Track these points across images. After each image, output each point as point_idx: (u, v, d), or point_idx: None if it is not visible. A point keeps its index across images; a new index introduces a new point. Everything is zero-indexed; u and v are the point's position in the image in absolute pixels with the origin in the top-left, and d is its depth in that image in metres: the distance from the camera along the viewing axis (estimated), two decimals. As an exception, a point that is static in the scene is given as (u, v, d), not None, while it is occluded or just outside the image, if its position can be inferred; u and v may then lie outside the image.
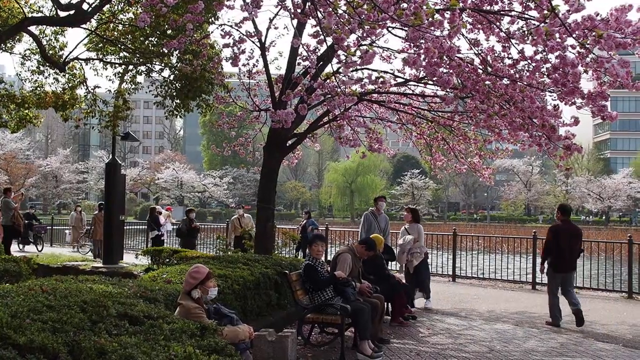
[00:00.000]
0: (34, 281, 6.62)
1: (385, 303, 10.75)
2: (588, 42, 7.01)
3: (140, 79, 16.77)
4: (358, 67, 10.19)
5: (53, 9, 13.86)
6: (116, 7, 14.70)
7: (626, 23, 7.13)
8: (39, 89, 16.61)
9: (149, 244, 22.95)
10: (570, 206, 12.76)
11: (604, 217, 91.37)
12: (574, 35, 7.05)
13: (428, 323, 11.43)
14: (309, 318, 9.01)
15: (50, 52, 15.53)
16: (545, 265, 11.48)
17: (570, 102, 8.49)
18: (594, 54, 7.39)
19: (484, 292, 15.54)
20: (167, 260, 14.66)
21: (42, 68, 16.31)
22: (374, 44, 10.89)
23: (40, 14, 15.30)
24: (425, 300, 13.06)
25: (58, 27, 15.50)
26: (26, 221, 28.52)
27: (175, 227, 24.31)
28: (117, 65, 16.26)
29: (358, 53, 6.90)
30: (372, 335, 8.91)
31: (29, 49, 16.47)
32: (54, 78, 16.41)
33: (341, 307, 8.62)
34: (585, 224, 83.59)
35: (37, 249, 27.62)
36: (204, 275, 6.35)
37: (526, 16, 7.74)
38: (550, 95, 9.20)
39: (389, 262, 13.57)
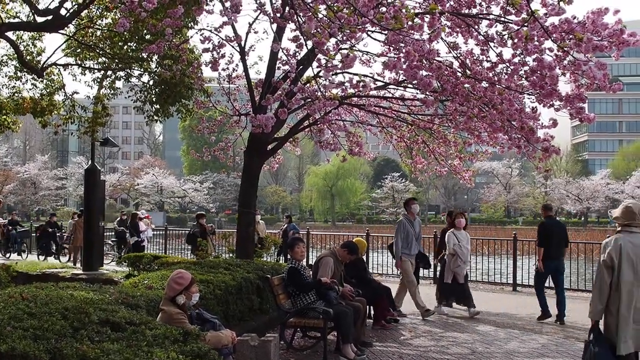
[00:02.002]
0: (14, 289, 6.57)
1: (368, 306, 10.78)
2: (567, 45, 7.07)
3: (119, 84, 16.66)
4: (338, 71, 10.20)
5: (30, 14, 13.75)
6: (94, 13, 14.59)
7: (602, 26, 7.20)
8: (16, 94, 16.44)
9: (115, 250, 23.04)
10: (551, 205, 14.14)
11: (582, 219, 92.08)
12: (552, 38, 7.12)
13: (410, 326, 11.47)
14: (292, 322, 9.01)
15: (28, 57, 15.39)
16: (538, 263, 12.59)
17: (548, 105, 8.57)
18: (572, 56, 7.46)
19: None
20: (148, 266, 14.58)
21: (19, 74, 16.14)
22: (354, 48, 10.93)
23: (17, 20, 15.16)
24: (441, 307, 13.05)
25: (35, 33, 15.37)
26: (10, 227, 27.87)
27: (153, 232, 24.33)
28: (95, 71, 16.14)
29: (338, 57, 6.92)
30: (354, 339, 8.92)
31: (5, 55, 16.33)
32: (31, 84, 16.27)
33: (323, 311, 8.63)
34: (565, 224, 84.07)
35: (22, 257, 26.43)
36: (188, 282, 6.32)
37: (503, 19, 7.80)
38: (529, 98, 9.27)
39: (422, 270, 13.60)
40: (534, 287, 13.08)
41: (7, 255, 27.03)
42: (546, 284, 12.88)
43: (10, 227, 27.89)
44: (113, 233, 25.69)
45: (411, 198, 13.69)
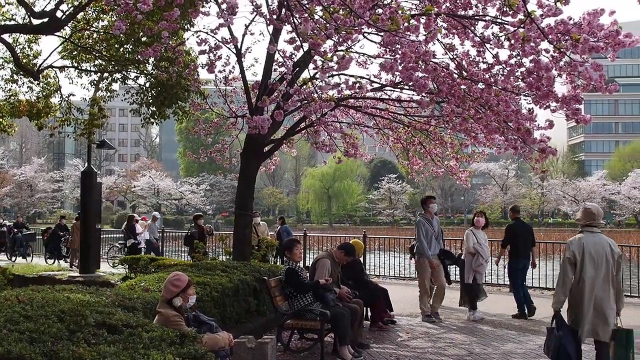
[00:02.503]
0: (10, 291, 6.54)
1: (365, 308, 10.78)
2: (563, 46, 7.08)
3: (115, 86, 16.65)
4: (335, 73, 10.20)
5: (26, 16, 13.74)
6: (90, 15, 14.58)
7: (598, 27, 7.22)
8: (12, 97, 16.43)
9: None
10: (519, 207, 14.81)
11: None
12: (549, 39, 7.13)
13: (407, 327, 11.46)
14: (289, 324, 9.00)
15: (24, 60, 15.38)
16: (503, 260, 13.96)
17: (544, 106, 8.58)
18: (569, 57, 7.48)
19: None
20: (145, 268, 14.55)
21: (15, 77, 16.14)
22: (350, 50, 10.94)
23: (13, 22, 15.15)
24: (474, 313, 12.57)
25: (32, 35, 15.36)
26: (16, 230, 27.53)
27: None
28: (92, 73, 16.14)
29: (335, 58, 6.92)
30: (351, 340, 8.92)
31: (2, 57, 16.31)
32: (28, 86, 16.27)
33: (321, 313, 8.62)
34: (561, 226, 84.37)
35: (27, 260, 25.72)
36: (185, 284, 6.31)
37: (500, 21, 7.81)
38: (525, 99, 9.28)
39: (449, 267, 12.96)
40: (510, 286, 13.75)
41: (13, 258, 26.50)
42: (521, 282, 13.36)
43: (15, 230, 27.51)
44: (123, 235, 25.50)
45: (429, 196, 13.19)
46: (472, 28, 8.45)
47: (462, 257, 12.91)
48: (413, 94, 11.99)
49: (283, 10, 8.28)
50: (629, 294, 15.60)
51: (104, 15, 14.43)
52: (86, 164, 18.76)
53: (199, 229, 18.99)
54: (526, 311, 12.69)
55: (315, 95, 8.41)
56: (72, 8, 13.12)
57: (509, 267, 13.28)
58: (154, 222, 23.23)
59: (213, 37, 10.54)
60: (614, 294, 7.28)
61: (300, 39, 6.92)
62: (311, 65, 8.94)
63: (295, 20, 6.98)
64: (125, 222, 23.57)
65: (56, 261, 25.31)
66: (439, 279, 12.34)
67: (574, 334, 7.25)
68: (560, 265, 7.76)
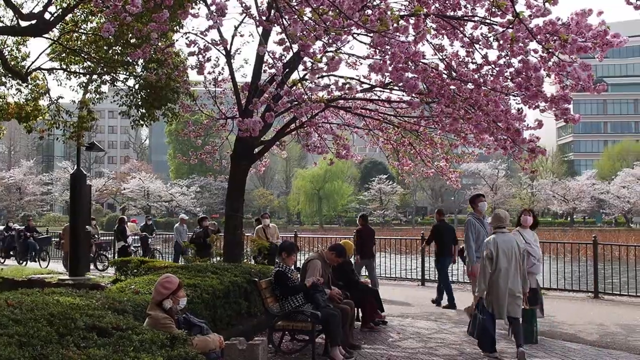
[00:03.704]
0: (-1, 295, 6.51)
1: (356, 308, 10.77)
2: (552, 46, 7.11)
3: (104, 88, 16.60)
4: (324, 74, 10.21)
5: (14, 18, 13.68)
6: (79, 17, 14.53)
7: (587, 27, 7.26)
8: (1, 100, 16.35)
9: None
10: (444, 210, 16.11)
11: (569, 219, 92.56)
12: (537, 40, 7.15)
13: (399, 327, 11.46)
14: (280, 325, 8.99)
15: (12, 62, 15.31)
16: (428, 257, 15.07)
17: (533, 106, 8.61)
18: (557, 57, 7.50)
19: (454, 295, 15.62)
20: (135, 270, 14.51)
21: (4, 79, 16.05)
22: (340, 51, 10.95)
23: (0, 24, 15.07)
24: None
25: (20, 37, 15.29)
26: (27, 234, 26.69)
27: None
28: (81, 75, 16.08)
29: (324, 60, 6.92)
30: (342, 341, 8.91)
31: (-11, 60, 16.23)
32: (16, 89, 16.18)
33: (312, 314, 8.61)
34: (551, 225, 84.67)
35: (41, 265, 24.38)
36: (176, 286, 6.29)
37: (489, 21, 7.83)
38: (514, 99, 9.32)
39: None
40: (441, 282, 14.48)
41: (23, 263, 25.79)
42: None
43: (27, 234, 26.73)
44: (137, 238, 25.02)
45: (478, 194, 11.96)
46: (461, 29, 8.47)
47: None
48: (403, 95, 12.02)
49: (272, 11, 8.26)
50: (618, 293, 15.68)
51: (93, 17, 14.38)
52: (75, 167, 18.64)
53: (205, 230, 18.63)
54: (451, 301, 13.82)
55: (305, 96, 8.41)
56: (60, 10, 13.07)
57: (440, 264, 14.30)
58: (182, 225, 22.65)
59: (202, 38, 10.57)
60: (521, 281, 8.97)
61: (290, 40, 6.91)
62: (301, 67, 8.96)
63: (285, 22, 6.97)
64: (116, 225, 23.44)
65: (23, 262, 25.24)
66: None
67: (493, 316, 8.88)
68: (481, 260, 9.19)
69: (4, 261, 27.39)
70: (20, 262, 26.18)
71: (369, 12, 6.81)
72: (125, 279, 13.56)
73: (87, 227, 17.66)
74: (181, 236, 21.97)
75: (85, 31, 14.67)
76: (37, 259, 25.55)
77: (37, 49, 77.88)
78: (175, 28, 13.28)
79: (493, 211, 9.59)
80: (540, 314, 10.81)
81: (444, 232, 14.37)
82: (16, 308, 5.28)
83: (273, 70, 10.93)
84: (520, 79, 7.92)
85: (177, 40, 14.08)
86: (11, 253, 27.81)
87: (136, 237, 24.60)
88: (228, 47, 11.86)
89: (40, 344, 4.41)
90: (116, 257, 22.31)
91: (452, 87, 8.80)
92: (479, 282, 9.07)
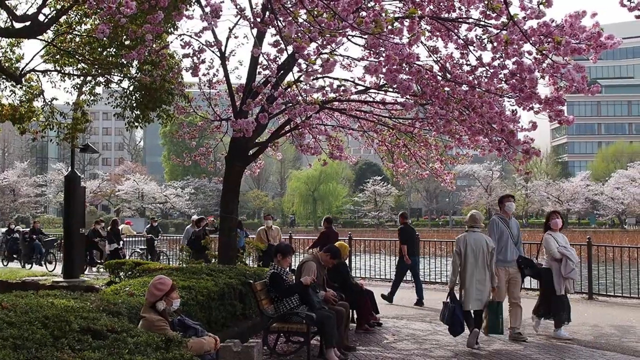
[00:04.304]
0: (-7, 298, 6.48)
1: (351, 310, 10.78)
2: (546, 48, 7.12)
3: (99, 90, 16.55)
4: (319, 76, 10.22)
5: (8, 20, 13.63)
6: (73, 19, 14.49)
7: (580, 29, 7.27)
8: (-6, 101, 16.30)
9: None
10: (407, 214, 17.40)
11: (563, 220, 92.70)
12: (531, 42, 7.17)
13: (393, 329, 11.47)
14: (275, 327, 8.98)
15: (6, 64, 15.26)
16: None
17: (528, 107, 8.63)
18: (551, 59, 7.52)
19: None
20: (129, 272, 14.46)
21: (-3, 81, 16.00)
22: (335, 52, 10.95)
23: (-6, 26, 15.03)
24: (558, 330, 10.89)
25: (14, 39, 15.24)
26: (34, 237, 26.12)
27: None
28: (75, 77, 16.03)
29: (319, 61, 6.92)
30: (338, 343, 8.91)
31: (-17, 61, 16.17)
32: (10, 90, 16.11)
33: (307, 316, 8.61)
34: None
35: (47, 268, 23.46)
36: (169, 287, 6.29)
37: (483, 23, 7.85)
38: (509, 101, 9.35)
39: (525, 279, 11.23)
40: (395, 278, 15.70)
41: (28, 266, 25.23)
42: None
43: (33, 237, 26.10)
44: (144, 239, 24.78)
45: (507, 195, 11.44)
46: (456, 30, 8.48)
47: (544, 266, 11.11)
48: (397, 96, 12.03)
49: (267, 13, 8.27)
50: (612, 294, 15.72)
51: (87, 19, 14.34)
52: (70, 169, 18.60)
53: (203, 231, 18.44)
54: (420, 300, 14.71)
55: (300, 98, 8.41)
56: (54, 12, 13.03)
57: (403, 265, 15.39)
58: (194, 227, 22.31)
59: (197, 40, 10.56)
60: (489, 276, 9.84)
61: (285, 42, 6.92)
62: (295, 68, 8.96)
63: (279, 24, 6.98)
64: (110, 226, 23.30)
65: (88, 268, 24.68)
66: (515, 293, 10.65)
67: (461, 305, 9.82)
68: (453, 256, 10.21)
69: (7, 264, 26.88)
70: (25, 264, 25.70)
71: (364, 14, 6.82)
72: (120, 281, 13.55)
73: (98, 228, 17.61)
74: (117, 238, 21.94)
75: (79, 33, 14.63)
76: (43, 262, 24.78)
77: (31, 50, 77.70)
78: (169, 30, 13.28)
79: (470, 213, 10.47)
80: (566, 320, 10.80)
81: (409, 235, 15.45)
82: (10, 311, 5.27)
83: (267, 72, 10.93)
84: (514, 80, 7.93)
85: (171, 42, 14.02)
86: (14, 256, 27.27)
87: (129, 239, 24.43)
88: (222, 48, 11.86)
89: (35, 347, 4.40)
90: (108, 260, 22.20)
91: (446, 88, 8.82)
92: (450, 276, 10.19)
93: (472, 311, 9.91)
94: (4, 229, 31.85)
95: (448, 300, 9.91)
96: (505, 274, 10.47)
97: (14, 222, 32.61)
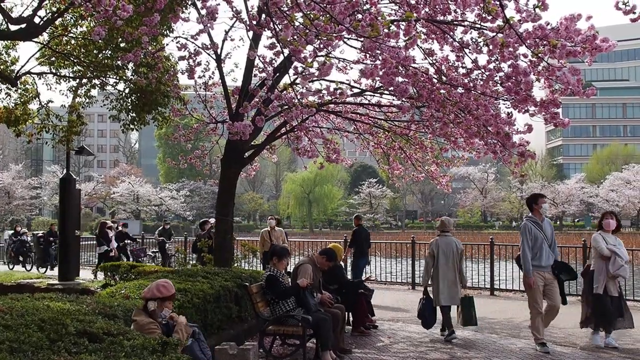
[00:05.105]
0: (-11, 301, 6.47)
1: (346, 313, 10.78)
2: (541, 51, 7.14)
3: (94, 92, 16.54)
4: (315, 79, 10.23)
5: (3, 22, 13.61)
6: (69, 21, 14.48)
7: (576, 32, 7.29)
8: (-11, 104, 16.26)
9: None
10: (361, 216, 18.59)
11: (558, 222, 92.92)
12: (527, 45, 7.19)
13: (389, 332, 11.48)
14: (270, 330, 8.98)
15: (2, 66, 15.24)
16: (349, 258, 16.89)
17: (523, 110, 8.64)
18: (546, 62, 7.53)
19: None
20: (125, 275, 14.45)
21: (-8, 83, 15.97)
22: (331, 55, 10.96)
23: (-11, 28, 15.00)
24: (607, 337, 10.28)
25: (9, 41, 15.22)
26: (51, 239, 25.31)
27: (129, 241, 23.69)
28: (70, 79, 16.01)
29: (315, 64, 6.93)
30: (333, 346, 8.92)
31: (-22, 64, 16.14)
32: (5, 93, 16.08)
33: (302, 318, 8.61)
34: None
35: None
36: (169, 294, 6.35)
37: (479, 26, 7.86)
38: (504, 103, 9.37)
39: (565, 282, 10.32)
40: (352, 277, 16.12)
41: (43, 270, 24.68)
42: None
43: (51, 239, 25.24)
44: (156, 242, 24.35)
45: (538, 194, 10.52)
46: (451, 33, 8.50)
47: (592, 268, 10.48)
48: (393, 99, 12.06)
49: (263, 16, 8.27)
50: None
51: (83, 21, 14.33)
52: (65, 171, 18.58)
53: (208, 234, 18.13)
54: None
55: (296, 100, 8.41)
56: (50, 14, 13.02)
57: (357, 264, 16.33)
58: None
59: (193, 42, 10.55)
60: (458, 275, 10.88)
61: (281, 44, 6.92)
62: (292, 71, 8.96)
63: (276, 26, 6.98)
64: (97, 229, 23.05)
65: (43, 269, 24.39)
66: (553, 297, 9.93)
67: (432, 301, 10.98)
68: (425, 257, 11.40)
69: (13, 267, 26.28)
70: (39, 268, 25.12)
71: (360, 17, 6.82)
72: (115, 283, 13.54)
73: (77, 231, 17.59)
74: (106, 241, 21.65)
75: (75, 35, 14.62)
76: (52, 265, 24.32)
77: (26, 53, 77.71)
78: (165, 32, 13.28)
79: (441, 219, 11.65)
80: (629, 324, 10.25)
81: (363, 236, 16.48)
82: (6, 314, 5.26)
83: (263, 75, 10.93)
84: (509, 83, 7.94)
85: (167, 44, 14.03)
86: (20, 259, 26.72)
87: (128, 241, 24.25)
88: (218, 51, 11.86)
89: (31, 350, 4.39)
90: (98, 262, 22.03)
91: (442, 91, 8.82)
92: (423, 274, 11.42)
93: (445, 307, 10.91)
94: (10, 232, 31.30)
95: (422, 296, 11.25)
96: (541, 280, 9.82)
97: (20, 225, 31.80)
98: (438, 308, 11.01)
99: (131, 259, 22.00)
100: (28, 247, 27.01)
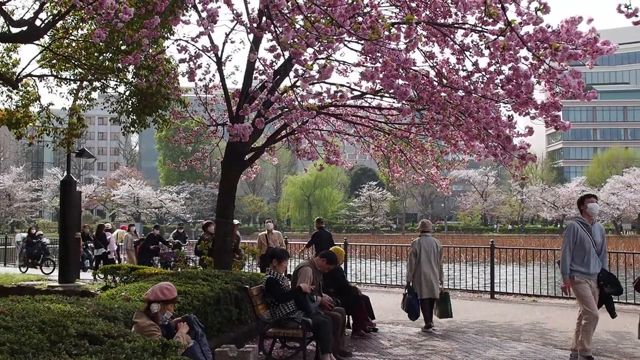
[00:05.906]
0: (-11, 302, 6.46)
1: (347, 316, 10.77)
2: (542, 54, 7.15)
3: (95, 95, 16.56)
4: (316, 82, 10.23)
5: (5, 25, 13.64)
6: (70, 24, 14.50)
7: (577, 35, 7.30)
8: (-10, 106, 16.27)
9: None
10: (323, 219, 19.43)
11: (558, 225, 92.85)
12: (528, 47, 7.19)
13: (389, 335, 11.47)
14: (271, 332, 8.97)
15: (3, 69, 15.26)
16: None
17: (524, 113, 8.66)
18: (547, 64, 7.54)
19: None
20: (125, 277, 14.44)
21: (-6, 86, 15.98)
22: (331, 58, 10.96)
23: (-10, 31, 15.02)
24: None
25: (10, 44, 15.24)
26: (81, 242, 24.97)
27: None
28: (71, 82, 16.03)
29: (316, 67, 6.93)
30: (333, 349, 8.91)
31: (-20, 67, 16.16)
32: (6, 95, 16.10)
33: (303, 321, 8.60)
34: (541, 232, 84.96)
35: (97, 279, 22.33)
36: (172, 297, 6.36)
37: (479, 29, 7.87)
38: (505, 106, 9.37)
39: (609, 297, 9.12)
40: None
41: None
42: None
43: (81, 242, 23.34)
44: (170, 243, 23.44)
45: (589, 195, 9.44)
46: (452, 36, 8.51)
47: None
48: (393, 102, 12.06)
49: (264, 18, 8.28)
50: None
51: (84, 24, 14.35)
52: (65, 173, 18.57)
53: (210, 236, 18.01)
54: None
55: (296, 103, 8.42)
56: (51, 17, 13.04)
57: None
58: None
59: (193, 45, 10.55)
60: (438, 272, 12.04)
61: (281, 47, 6.93)
62: (292, 73, 8.97)
63: (276, 29, 6.99)
64: (95, 231, 22.99)
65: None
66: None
67: (416, 295, 11.91)
68: (409, 256, 12.34)
69: (26, 270, 25.08)
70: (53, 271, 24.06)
71: (361, 19, 6.82)
72: (115, 285, 13.53)
73: (77, 233, 17.58)
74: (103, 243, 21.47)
75: (76, 38, 14.64)
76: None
77: (27, 55, 77.72)
78: (166, 35, 13.29)
79: (421, 221, 12.88)
80: None
81: (324, 238, 17.39)
82: (7, 315, 5.25)
83: (264, 77, 10.94)
84: (510, 86, 7.95)
85: (168, 47, 14.07)
86: (31, 261, 25.70)
87: (122, 243, 24.13)
88: (219, 53, 11.86)
89: (32, 352, 4.39)
90: (96, 264, 21.98)
91: (442, 94, 8.84)
92: (407, 270, 12.42)
93: (426, 299, 11.98)
94: (23, 235, 30.57)
95: (406, 291, 12.16)
96: (589, 286, 8.86)
97: (34, 227, 31.09)
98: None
99: (158, 265, 21.38)
100: (46, 249, 26.04)
